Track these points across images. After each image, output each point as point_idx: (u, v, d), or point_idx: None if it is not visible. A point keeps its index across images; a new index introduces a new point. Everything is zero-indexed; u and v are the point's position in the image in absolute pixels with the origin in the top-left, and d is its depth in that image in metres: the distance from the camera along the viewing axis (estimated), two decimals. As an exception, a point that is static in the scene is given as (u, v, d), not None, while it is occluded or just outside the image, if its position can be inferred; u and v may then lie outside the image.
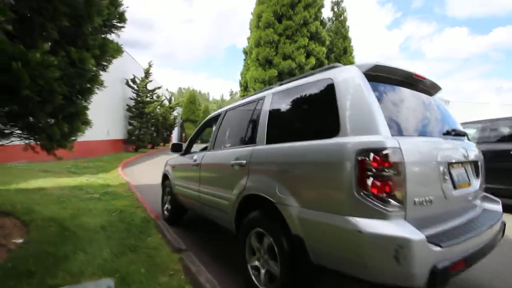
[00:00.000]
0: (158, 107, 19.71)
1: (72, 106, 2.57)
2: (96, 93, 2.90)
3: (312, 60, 13.89)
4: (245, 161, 2.19)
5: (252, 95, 2.77)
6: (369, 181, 1.34)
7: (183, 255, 2.65)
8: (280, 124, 2.13)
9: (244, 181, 2.16)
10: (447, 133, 1.84)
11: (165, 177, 4.24)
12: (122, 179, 7.57)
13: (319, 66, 14.33)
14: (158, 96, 19.53)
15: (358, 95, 1.56)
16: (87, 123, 3.07)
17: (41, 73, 1.96)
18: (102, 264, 2.48)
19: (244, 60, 19.60)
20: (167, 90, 34.26)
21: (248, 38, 18.19)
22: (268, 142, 2.08)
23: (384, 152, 1.35)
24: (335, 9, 17.62)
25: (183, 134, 38.36)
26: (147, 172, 9.72)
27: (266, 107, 2.25)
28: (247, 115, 2.56)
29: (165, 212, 4.15)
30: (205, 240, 3.41)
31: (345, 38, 16.80)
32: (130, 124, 17.24)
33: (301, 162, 1.67)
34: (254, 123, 2.37)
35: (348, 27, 17.20)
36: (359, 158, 1.37)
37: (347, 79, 1.66)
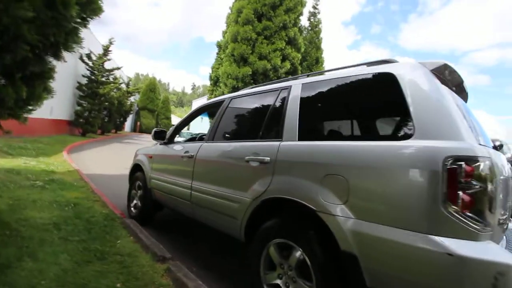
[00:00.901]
0: (115, 89, 17.84)
1: (38, 64, 1.92)
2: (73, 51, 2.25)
3: (287, 64, 13.96)
4: (268, 158, 1.84)
5: (264, 84, 2.43)
6: (460, 195, 1.13)
7: (169, 265, 2.17)
8: (319, 120, 1.84)
9: (266, 181, 1.81)
10: (495, 147, 1.76)
11: (136, 168, 3.61)
12: (70, 165, 6.47)
13: (293, 71, 14.48)
14: (115, 78, 17.67)
15: (435, 95, 1.36)
16: (49, 91, 2.39)
17: (8, 8, 1.36)
18: (61, 276, 1.88)
19: (217, 54, 18.96)
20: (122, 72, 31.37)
21: (224, 32, 17.65)
22: (302, 138, 1.77)
23: (477, 162, 1.16)
24: (312, 20, 18.10)
25: (138, 123, 35.58)
26: (100, 161, 8.55)
27: (295, 98, 1.94)
28: (264, 106, 2.22)
29: (133, 209, 3.53)
30: (190, 245, 2.93)
31: (318, 48, 17.35)
32: (79, 104, 15.21)
33: (361, 165, 1.39)
34: (276, 115, 2.04)
35: (322, 38, 17.81)
36: (450, 167, 1.15)
37: (417, 76, 1.44)
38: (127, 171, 3.93)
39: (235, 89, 14.43)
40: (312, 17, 18.11)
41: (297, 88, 1.98)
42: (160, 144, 3.28)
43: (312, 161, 1.61)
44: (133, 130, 35.55)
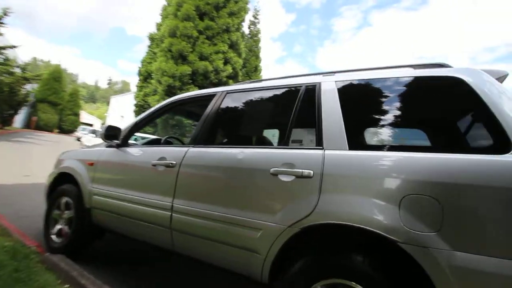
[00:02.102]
0: (5, 74, 13.87)
1: None
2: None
3: (229, 68, 13.60)
4: (310, 171, 1.37)
5: (260, 80, 1.98)
6: None
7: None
8: (374, 126, 1.47)
9: (309, 201, 1.33)
10: None
11: (61, 179, 2.52)
12: None
13: (235, 76, 14.20)
14: (7, 59, 13.77)
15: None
16: None
17: None
18: None
19: (149, 47, 17.12)
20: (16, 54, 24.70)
21: (159, 25, 16.13)
22: (353, 147, 1.38)
23: None
24: (252, 28, 18.34)
25: (33, 118, 28.69)
26: (-19, 164, 6.24)
27: (331, 99, 1.53)
28: (282, 105, 1.75)
29: (55, 237, 2.43)
30: None
31: (257, 57, 17.64)
32: None
33: (462, 183, 1.08)
34: (304, 117, 1.61)
35: (260, 47, 18.22)
36: None
37: (491, 83, 1.27)
38: (27, 180, 2.74)
39: (171, 88, 13.20)
40: (252, 26, 18.37)
41: (329, 87, 1.59)
42: (107, 147, 2.35)
43: (382, 177, 1.23)
44: (26, 126, 28.55)
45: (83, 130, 24.96)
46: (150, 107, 16.40)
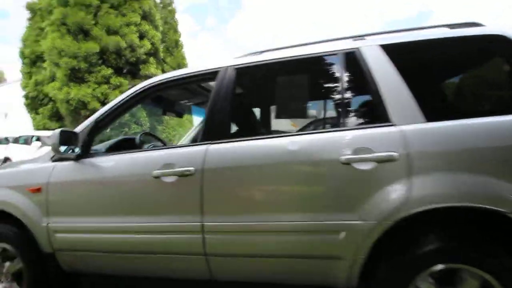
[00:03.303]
0: None
1: None
2: None
3: (147, 43, 11.81)
4: (394, 153, 1.16)
5: (278, 48, 1.59)
6: None
7: None
8: (442, 93, 1.32)
9: (399, 188, 1.14)
10: None
11: None
12: None
13: (155, 52, 12.50)
14: None
15: None
16: None
17: None
18: None
19: (30, 20, 13.31)
20: None
21: (39, -10, 12.59)
22: (431, 118, 1.21)
23: None
24: (163, -4, 16.13)
25: None
26: None
27: (383, 66, 1.30)
28: (316, 78, 1.45)
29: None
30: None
31: (176, 30, 15.84)
32: None
33: None
34: (349, 91, 1.36)
35: (177, 20, 16.40)
36: None
37: None
38: None
39: (75, 71, 10.79)
40: (162, -7, 16.15)
41: (375, 52, 1.35)
42: (56, 160, 1.58)
43: (480, 147, 1.12)
44: None
45: None
46: (48, 97, 13.12)
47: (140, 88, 1.60)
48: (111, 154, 1.60)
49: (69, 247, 1.51)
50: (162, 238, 1.37)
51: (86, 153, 1.56)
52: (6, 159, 9.02)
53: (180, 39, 16.25)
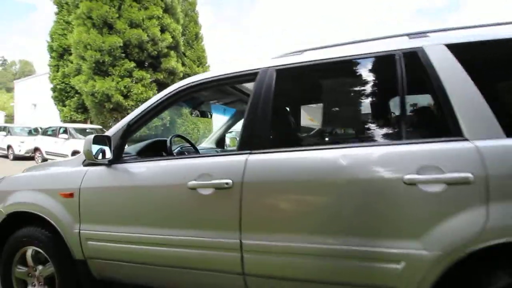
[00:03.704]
0: None
1: None
2: None
3: (168, 36, 11.85)
4: (469, 175, 0.99)
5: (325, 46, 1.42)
6: None
7: None
8: None
9: (474, 214, 0.98)
10: None
11: (15, 220, 1.63)
12: None
13: (175, 45, 12.53)
14: None
15: None
16: None
17: None
18: None
19: (58, 14, 13.72)
20: None
21: (66, -16, 12.89)
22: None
23: None
24: (183, -12, 16.06)
25: None
26: None
27: (453, 70, 1.10)
28: (370, 83, 1.28)
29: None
30: None
31: (196, 23, 15.76)
32: None
33: None
34: (411, 98, 1.19)
35: (198, 12, 16.32)
36: None
37: None
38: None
39: (99, 64, 11.02)
40: (183, -14, 16.08)
41: (442, 53, 1.15)
42: (87, 165, 1.53)
43: None
44: None
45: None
46: (74, 90, 13.56)
47: (176, 89, 1.50)
48: (144, 160, 1.53)
49: (100, 256, 1.46)
50: (196, 253, 1.28)
51: (118, 158, 1.50)
52: (36, 150, 9.46)
53: (200, 31, 16.18)
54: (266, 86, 1.32)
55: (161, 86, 12.41)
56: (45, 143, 9.13)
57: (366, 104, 1.34)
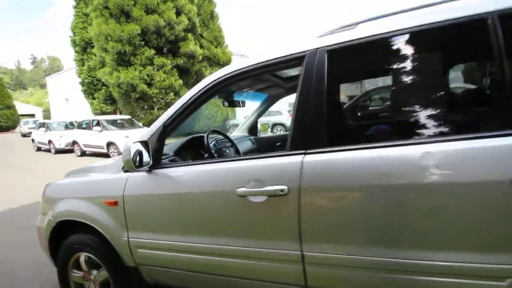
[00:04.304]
0: None
1: None
2: None
3: (184, 19, 11.58)
4: None
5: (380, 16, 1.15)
6: None
7: None
8: None
9: None
10: None
11: (63, 227, 1.65)
12: None
13: (192, 27, 12.25)
14: None
15: None
16: None
17: None
18: None
19: (76, 7, 13.86)
20: None
21: (80, -25, 12.89)
22: None
23: None
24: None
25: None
26: None
27: None
28: (458, 57, 1.02)
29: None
30: None
31: (210, 1, 15.20)
32: None
33: None
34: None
35: (211, -12, 15.64)
36: None
37: None
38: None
39: (121, 55, 11.10)
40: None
41: None
42: (126, 171, 1.46)
43: None
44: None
45: (26, 124, 21.46)
46: (101, 82, 13.94)
47: (212, 82, 1.35)
48: (185, 163, 1.42)
49: (151, 263, 1.44)
50: (250, 263, 1.19)
51: (158, 162, 1.41)
52: (74, 143, 10.01)
53: (215, 10, 15.61)
54: (317, 72, 1.12)
55: (182, 71, 12.36)
56: (82, 136, 9.60)
57: (455, 86, 1.08)
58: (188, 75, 12.82)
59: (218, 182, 1.24)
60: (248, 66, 1.30)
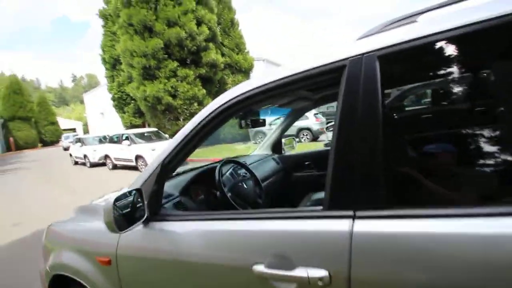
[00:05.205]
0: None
1: None
2: None
3: (205, 29, 11.63)
4: None
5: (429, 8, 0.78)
6: None
7: None
8: None
9: None
10: None
11: (60, 278, 1.45)
12: None
13: (213, 37, 12.28)
14: None
15: None
16: None
17: None
18: None
19: (105, 27, 14.63)
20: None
21: (107, -3, 13.56)
22: None
23: None
24: (213, -26, 15.51)
25: (11, 139, 26.47)
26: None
27: None
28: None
29: None
30: None
31: (230, 8, 15.21)
32: None
33: None
34: None
35: (230, -4, 15.68)
36: None
37: None
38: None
39: (147, 69, 11.41)
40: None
41: None
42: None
43: None
44: (7, 149, 26.57)
45: (67, 139, 23.14)
46: (130, 97, 14.54)
47: (222, 105, 1.03)
48: (189, 217, 1.15)
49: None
50: None
51: (157, 211, 1.16)
52: (106, 156, 10.43)
53: (235, 17, 15.60)
54: (364, 86, 0.76)
55: (205, 81, 12.42)
56: (113, 150, 9.96)
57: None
58: (211, 84, 12.86)
59: (227, 252, 0.94)
60: (266, 85, 0.96)
